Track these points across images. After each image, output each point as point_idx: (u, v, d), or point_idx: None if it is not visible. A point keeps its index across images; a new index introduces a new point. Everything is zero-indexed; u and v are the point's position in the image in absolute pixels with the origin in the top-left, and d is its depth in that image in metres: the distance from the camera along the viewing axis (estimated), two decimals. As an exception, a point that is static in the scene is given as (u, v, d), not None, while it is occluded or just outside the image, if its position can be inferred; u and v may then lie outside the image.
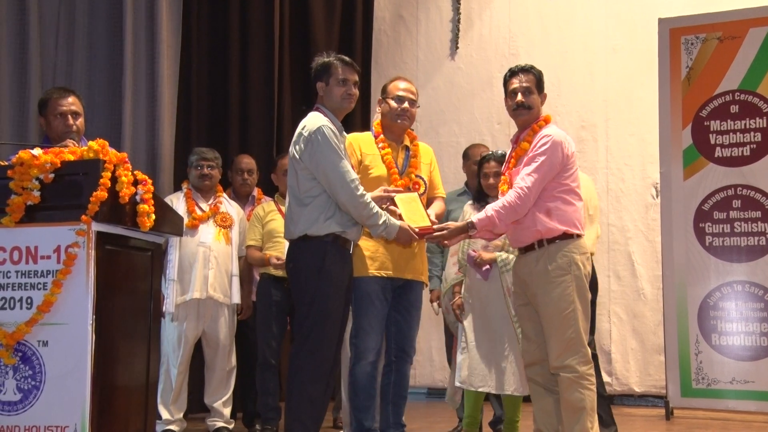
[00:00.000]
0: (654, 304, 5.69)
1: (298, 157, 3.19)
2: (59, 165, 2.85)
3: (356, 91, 3.34)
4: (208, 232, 4.36)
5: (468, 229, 3.25)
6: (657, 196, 5.59)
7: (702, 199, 5.07)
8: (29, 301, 2.82)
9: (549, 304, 3.24)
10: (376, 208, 3.20)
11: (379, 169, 3.52)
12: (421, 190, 3.56)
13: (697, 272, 5.04)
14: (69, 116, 3.38)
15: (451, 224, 3.34)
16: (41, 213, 2.84)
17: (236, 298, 4.39)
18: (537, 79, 3.39)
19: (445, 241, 3.43)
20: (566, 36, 6.06)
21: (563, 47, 6.06)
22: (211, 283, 4.29)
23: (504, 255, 3.84)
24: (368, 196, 3.19)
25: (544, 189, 3.25)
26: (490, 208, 3.25)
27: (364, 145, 3.56)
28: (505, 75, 3.44)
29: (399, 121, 3.58)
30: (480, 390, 3.87)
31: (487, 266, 3.84)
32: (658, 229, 5.39)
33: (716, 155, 5.08)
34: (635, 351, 5.77)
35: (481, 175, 3.95)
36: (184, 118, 5.40)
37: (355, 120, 5.85)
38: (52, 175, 2.84)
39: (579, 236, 3.30)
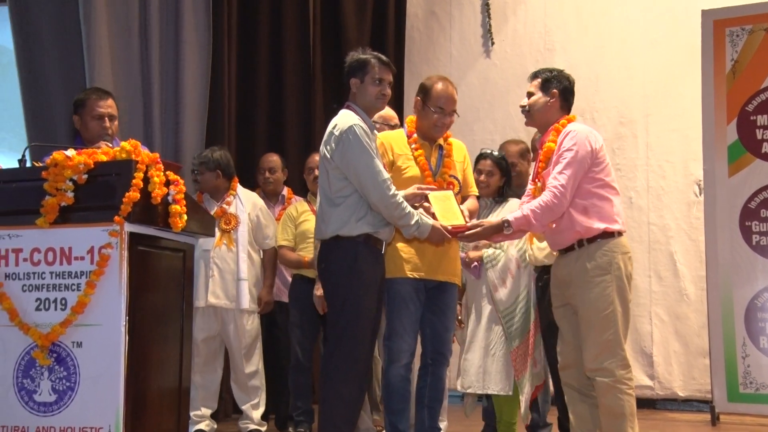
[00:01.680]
0: (698, 305, 5.60)
1: (329, 156, 3.20)
2: (92, 166, 2.91)
3: (389, 92, 3.35)
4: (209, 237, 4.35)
5: (503, 228, 3.25)
6: (700, 194, 5.50)
7: (748, 196, 4.99)
8: (63, 302, 2.87)
9: (587, 305, 3.21)
10: (408, 208, 3.21)
11: (412, 170, 3.51)
12: (455, 189, 3.56)
13: (743, 272, 4.95)
14: (106, 119, 3.44)
15: (486, 222, 3.34)
16: (75, 214, 2.90)
17: (245, 303, 4.33)
18: (542, 81, 3.41)
19: (480, 241, 3.44)
20: (604, 29, 6.00)
21: (601, 41, 6.00)
22: (211, 290, 4.28)
23: (490, 251, 3.86)
24: (400, 196, 3.20)
25: (577, 187, 3.24)
26: (526, 207, 3.24)
27: (396, 144, 3.56)
28: None
29: (438, 132, 3.58)
30: (468, 391, 3.90)
31: (475, 264, 3.90)
32: (702, 227, 5.31)
33: (763, 151, 4.99)
34: (678, 354, 5.69)
35: (474, 171, 3.95)
36: (215, 119, 5.44)
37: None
38: (85, 176, 2.90)
39: (620, 233, 3.27)
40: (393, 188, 3.18)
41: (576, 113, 5.68)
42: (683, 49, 5.66)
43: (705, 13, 5.16)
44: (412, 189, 3.34)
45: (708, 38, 5.13)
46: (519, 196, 4.14)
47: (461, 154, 3.69)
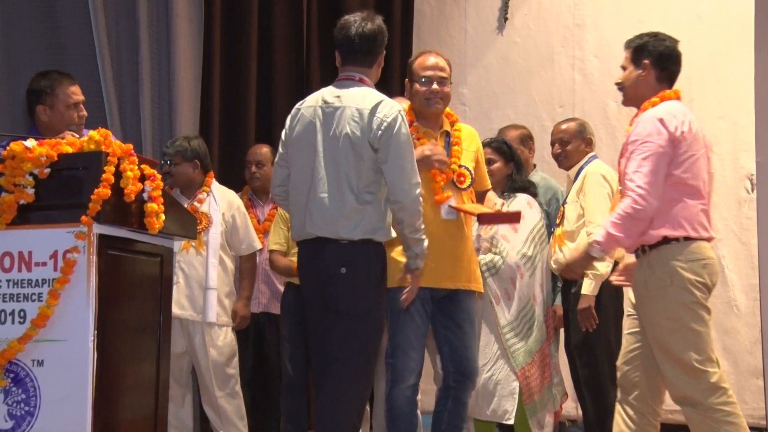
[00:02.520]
0: (749, 318, 5.57)
1: (370, 142, 3.17)
2: (56, 158, 2.90)
3: None
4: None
5: (591, 252, 3.17)
6: (752, 190, 5.48)
7: (807, 192, 4.96)
8: (22, 314, 2.87)
9: (652, 324, 3.17)
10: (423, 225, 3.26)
11: None
12: (467, 183, 3.54)
13: (801, 280, 4.93)
14: (81, 106, 3.48)
15: (574, 251, 3.31)
16: (36, 213, 2.90)
17: (211, 316, 4.29)
18: (634, 49, 3.37)
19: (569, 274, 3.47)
20: (642, 2, 5.97)
21: (638, 15, 5.96)
22: (176, 299, 4.17)
23: (489, 257, 3.85)
24: None
25: None
26: (608, 222, 3.18)
27: None
28: None
29: (430, 106, 3.56)
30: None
31: None
32: (754, 229, 5.28)
33: (825, 140, 4.96)
34: (727, 373, 5.63)
35: None
36: (204, 105, 5.44)
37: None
38: (47, 170, 2.89)
39: (688, 239, 3.17)
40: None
41: (610, 98, 5.78)
42: (733, 23, 5.63)
43: (759, -17, 5.14)
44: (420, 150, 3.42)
45: (763, 10, 5.10)
46: (526, 187, 4.15)
47: (473, 142, 3.67)
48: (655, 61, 3.33)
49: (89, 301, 2.80)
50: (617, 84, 3.45)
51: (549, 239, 4.37)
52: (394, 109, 3.22)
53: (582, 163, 4.28)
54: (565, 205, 4.25)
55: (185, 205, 4.34)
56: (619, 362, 3.39)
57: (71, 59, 5.05)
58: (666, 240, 3.15)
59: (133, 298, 3.01)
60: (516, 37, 6.27)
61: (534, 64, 6.15)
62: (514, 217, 3.72)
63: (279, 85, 5.76)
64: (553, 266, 4.24)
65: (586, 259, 3.23)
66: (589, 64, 5.88)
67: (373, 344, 3.24)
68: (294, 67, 5.87)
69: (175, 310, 4.20)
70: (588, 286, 3.99)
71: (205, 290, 4.30)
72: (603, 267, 3.97)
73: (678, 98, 3.38)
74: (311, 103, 3.32)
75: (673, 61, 3.37)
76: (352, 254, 3.20)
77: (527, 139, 4.61)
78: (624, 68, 3.40)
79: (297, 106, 3.37)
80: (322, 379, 3.22)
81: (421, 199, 3.22)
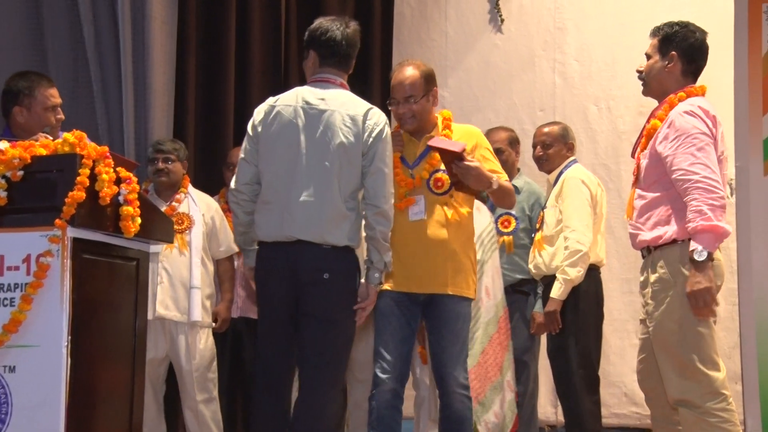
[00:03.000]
0: (728, 323, 5.62)
1: (363, 150, 3.25)
2: (29, 161, 2.89)
3: None
4: None
5: (695, 258, 2.96)
6: (732, 195, 5.51)
7: (787, 197, 5.00)
8: (-6, 319, 2.83)
9: (656, 326, 3.13)
10: None
11: None
12: (444, 188, 3.53)
13: (781, 285, 4.97)
14: (59, 109, 3.45)
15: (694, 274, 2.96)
16: (8, 217, 2.88)
17: (196, 314, 4.28)
18: (661, 38, 3.25)
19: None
20: (624, 5, 6.01)
21: (620, 19, 6.00)
22: (160, 300, 4.23)
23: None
24: None
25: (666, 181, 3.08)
26: (698, 222, 2.97)
27: None
28: None
29: (404, 126, 3.61)
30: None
31: None
32: (733, 233, 5.31)
33: (804, 146, 5.01)
34: (707, 379, 5.71)
35: None
36: (178, 107, 5.41)
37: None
38: (21, 173, 2.87)
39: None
40: None
41: (591, 101, 5.82)
42: (714, 29, 5.60)
43: (739, -12, 5.18)
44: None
45: (742, 16, 5.14)
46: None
47: (468, 142, 3.57)
48: (684, 54, 3.23)
49: (63, 306, 2.78)
50: (638, 72, 3.33)
51: (529, 243, 4.38)
52: (382, 117, 3.30)
53: (562, 167, 4.29)
54: (544, 210, 4.25)
55: (163, 207, 4.35)
56: (638, 371, 3.37)
57: (52, 60, 5.02)
58: (673, 241, 3.09)
59: (108, 302, 2.99)
60: (497, 40, 6.29)
61: (515, 68, 6.17)
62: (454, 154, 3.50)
63: (256, 89, 5.73)
64: (533, 271, 4.24)
65: (702, 269, 2.97)
66: (570, 68, 5.91)
67: (348, 350, 3.31)
68: (272, 70, 5.84)
69: (160, 310, 4.23)
70: (557, 290, 3.98)
71: (189, 290, 4.29)
72: (573, 272, 3.98)
73: (704, 95, 3.29)
74: (289, 101, 3.30)
75: (701, 55, 3.28)
76: (335, 260, 3.22)
77: (515, 142, 4.62)
78: (648, 56, 3.28)
79: (270, 102, 3.35)
80: (290, 383, 3.29)
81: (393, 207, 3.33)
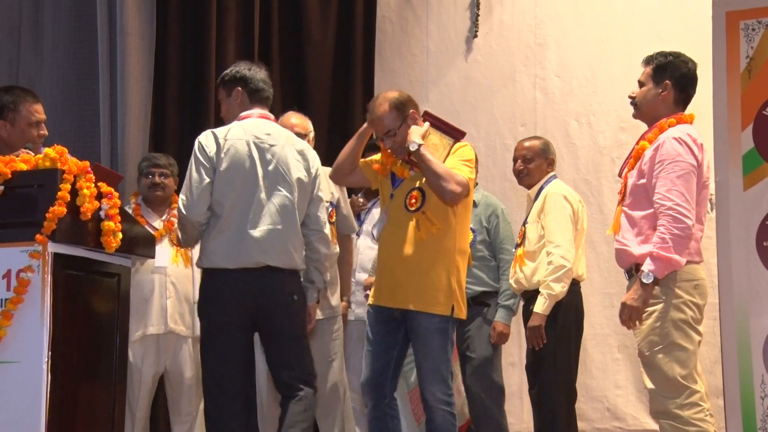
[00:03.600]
0: (709, 337, 5.65)
1: (308, 180, 3.63)
2: (10, 176, 2.90)
3: None
4: (163, 254, 4.34)
5: (641, 281, 3.15)
6: (712, 210, 5.57)
7: (767, 212, 5.07)
8: (-26, 335, 2.83)
9: (641, 339, 3.24)
10: None
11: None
12: (417, 205, 3.59)
13: (761, 299, 5.01)
14: (43, 125, 3.46)
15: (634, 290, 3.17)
16: (-12, 232, 2.87)
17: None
18: (655, 67, 3.44)
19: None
20: (603, 22, 6.08)
21: (600, 35, 6.08)
22: (170, 314, 4.30)
23: None
24: None
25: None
26: (656, 247, 3.16)
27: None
28: None
29: (398, 157, 3.68)
30: None
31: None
32: (713, 248, 5.37)
33: (783, 161, 5.07)
34: (688, 393, 5.75)
35: None
36: (159, 124, 5.42)
37: (355, 120, 5.87)
38: (1, 188, 2.88)
39: (688, 263, 3.24)
40: None
41: (571, 117, 5.88)
42: (693, 44, 5.74)
43: (716, 4, 5.24)
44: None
45: (720, 32, 5.21)
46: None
47: (445, 150, 3.66)
48: (677, 83, 3.41)
49: (43, 322, 2.79)
50: (631, 98, 3.51)
51: (489, 255, 4.41)
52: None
53: (543, 182, 4.34)
54: (526, 225, 4.29)
55: (156, 221, 4.39)
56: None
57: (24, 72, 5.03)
58: None
59: (90, 318, 3.00)
60: (478, 55, 6.34)
61: (496, 83, 6.23)
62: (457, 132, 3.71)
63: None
64: (514, 286, 4.28)
65: (645, 289, 3.17)
66: (551, 83, 5.97)
67: None
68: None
69: (171, 324, 4.32)
70: (541, 305, 4.01)
71: (193, 305, 4.30)
72: (558, 287, 4.02)
73: (692, 122, 3.46)
74: (239, 136, 3.51)
75: (692, 84, 3.47)
76: (298, 282, 3.60)
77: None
78: (641, 84, 3.45)
79: (220, 135, 3.50)
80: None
81: None
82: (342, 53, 5.97)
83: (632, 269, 3.32)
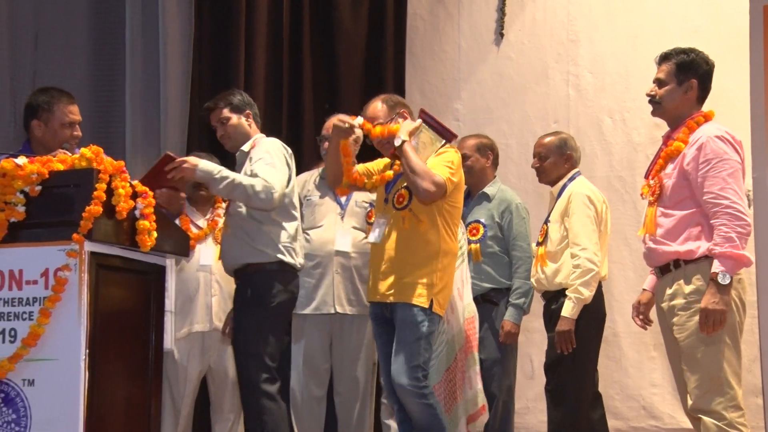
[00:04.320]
0: (748, 335, 5.59)
1: None
2: (47, 176, 2.94)
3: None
4: (207, 252, 4.40)
5: (718, 282, 3.11)
6: (749, 206, 5.52)
7: (805, 208, 5.02)
8: (13, 333, 2.89)
9: (688, 336, 3.21)
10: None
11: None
12: (404, 203, 3.68)
13: (800, 297, 4.98)
14: (77, 126, 3.51)
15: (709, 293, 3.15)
16: (26, 231, 2.93)
17: None
18: (677, 65, 3.40)
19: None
20: (636, 17, 6.04)
21: (633, 30, 6.03)
22: (215, 312, 4.34)
23: None
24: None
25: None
26: (723, 247, 3.13)
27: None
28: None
29: (385, 154, 3.80)
30: None
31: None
32: (751, 245, 5.31)
33: (822, 155, 5.02)
34: (726, 392, 5.70)
35: None
36: (198, 123, 5.46)
37: (386, 120, 5.88)
38: (39, 188, 2.92)
39: None
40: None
41: (604, 113, 5.84)
42: (729, 38, 5.70)
43: (754, -2, 5.21)
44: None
45: (757, 26, 5.17)
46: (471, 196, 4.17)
47: (433, 148, 3.72)
48: (700, 81, 3.40)
49: (81, 320, 2.83)
50: (651, 96, 3.46)
51: (500, 251, 4.38)
52: None
53: (565, 180, 4.26)
54: (548, 224, 4.22)
55: (200, 220, 4.45)
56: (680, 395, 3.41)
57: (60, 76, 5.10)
58: (706, 257, 3.20)
59: (125, 315, 3.03)
60: (510, 52, 6.32)
61: (528, 80, 6.20)
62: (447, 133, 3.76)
63: (263, 102, 5.77)
64: (535, 285, 4.24)
65: (724, 291, 3.14)
66: (584, 80, 5.93)
67: None
68: (278, 85, 5.87)
69: (217, 322, 4.34)
70: (569, 309, 3.97)
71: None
72: (587, 292, 3.97)
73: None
74: None
75: (711, 82, 3.45)
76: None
77: (485, 149, 4.58)
78: (662, 82, 3.41)
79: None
80: None
81: None
82: (373, 50, 5.97)
83: (669, 265, 3.29)
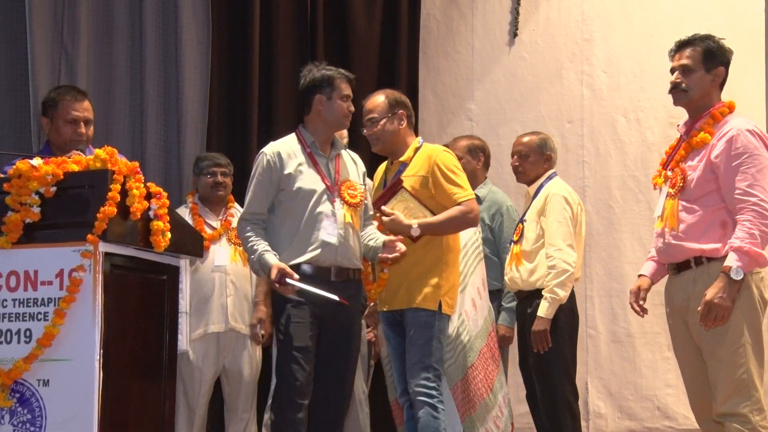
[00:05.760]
0: None
1: None
2: (62, 177, 2.94)
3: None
4: (222, 253, 4.41)
5: (730, 276, 3.02)
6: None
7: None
8: (28, 333, 2.89)
9: (713, 338, 3.11)
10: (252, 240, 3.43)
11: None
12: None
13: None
14: (82, 124, 3.48)
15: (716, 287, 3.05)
16: (41, 232, 2.93)
17: (260, 328, 4.42)
18: (704, 52, 3.28)
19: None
20: (651, 16, 6.01)
21: (648, 30, 6.01)
22: (231, 312, 4.36)
23: None
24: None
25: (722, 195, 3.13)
26: (743, 242, 3.04)
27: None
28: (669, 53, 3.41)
29: (373, 148, 3.91)
30: None
31: None
32: (768, 246, 5.29)
33: (838, 155, 4.97)
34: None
35: None
36: (216, 124, 5.47)
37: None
38: (54, 189, 2.92)
39: None
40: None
41: (619, 113, 5.82)
42: (745, 37, 5.65)
43: (769, -3, 5.17)
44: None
45: (772, 25, 5.13)
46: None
47: (424, 164, 3.73)
48: (726, 69, 3.30)
49: (95, 320, 2.83)
50: (676, 83, 3.32)
51: (491, 252, 4.36)
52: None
53: (542, 180, 4.25)
54: (524, 223, 4.21)
55: (214, 221, 4.46)
56: (689, 397, 3.37)
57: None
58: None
59: (140, 316, 3.03)
60: (524, 52, 6.30)
61: (542, 80, 6.18)
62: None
63: (281, 105, 5.77)
64: (508, 284, 4.22)
65: (733, 286, 3.04)
66: (598, 80, 5.91)
67: None
68: (296, 86, 5.86)
69: (232, 323, 4.38)
70: (545, 309, 3.96)
71: (252, 303, 4.40)
72: (562, 293, 3.98)
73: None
74: None
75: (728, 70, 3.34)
76: None
77: (476, 150, 4.57)
78: (689, 69, 3.28)
79: None
80: None
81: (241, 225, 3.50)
82: (387, 51, 5.96)
83: (690, 262, 3.19)
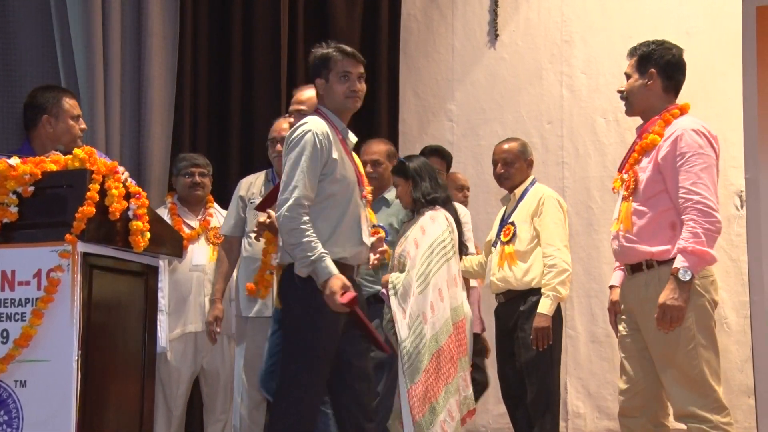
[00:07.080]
0: (740, 336, 5.62)
1: None
2: (40, 176, 2.92)
3: (363, 86, 3.31)
4: (200, 252, 4.42)
5: (678, 280, 3.02)
6: (742, 207, 5.54)
7: (798, 209, 5.02)
8: (5, 334, 2.87)
9: (663, 341, 3.13)
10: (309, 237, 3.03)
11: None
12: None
13: (792, 297, 4.98)
14: (81, 119, 3.50)
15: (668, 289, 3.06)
16: (19, 232, 2.91)
17: (235, 327, 4.39)
18: (639, 57, 3.32)
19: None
20: (631, 18, 6.05)
21: (627, 31, 6.04)
22: (208, 312, 4.34)
23: (394, 276, 3.85)
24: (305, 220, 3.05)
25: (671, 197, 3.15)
26: (689, 242, 3.05)
27: None
28: None
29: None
30: None
31: (383, 290, 3.87)
32: (744, 245, 5.34)
33: (814, 157, 5.03)
34: (719, 393, 5.71)
35: None
36: (181, 122, 5.43)
37: (380, 119, 5.89)
38: (31, 188, 2.91)
39: None
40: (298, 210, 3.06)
41: (598, 114, 5.86)
42: (723, 40, 5.71)
43: (746, -1, 5.22)
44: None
45: (750, 27, 5.18)
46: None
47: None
48: (662, 71, 3.29)
49: (73, 321, 2.82)
50: (620, 92, 3.40)
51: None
52: (298, 129, 3.17)
53: (527, 184, 4.33)
54: (513, 224, 4.23)
55: (192, 221, 4.48)
56: (620, 388, 3.37)
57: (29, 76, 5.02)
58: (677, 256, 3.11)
59: (118, 316, 3.02)
60: (504, 53, 6.33)
61: (522, 81, 6.21)
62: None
63: (260, 103, 5.75)
64: (499, 284, 4.23)
65: (684, 287, 3.04)
66: (578, 81, 5.95)
67: None
68: (276, 85, 5.86)
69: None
70: (547, 306, 4.00)
71: (230, 302, 4.37)
72: (564, 291, 4.07)
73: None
74: None
75: (679, 71, 3.34)
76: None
77: (393, 156, 4.51)
78: (628, 76, 3.35)
79: None
80: None
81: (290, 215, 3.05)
82: (367, 51, 5.95)
83: (642, 265, 3.22)
